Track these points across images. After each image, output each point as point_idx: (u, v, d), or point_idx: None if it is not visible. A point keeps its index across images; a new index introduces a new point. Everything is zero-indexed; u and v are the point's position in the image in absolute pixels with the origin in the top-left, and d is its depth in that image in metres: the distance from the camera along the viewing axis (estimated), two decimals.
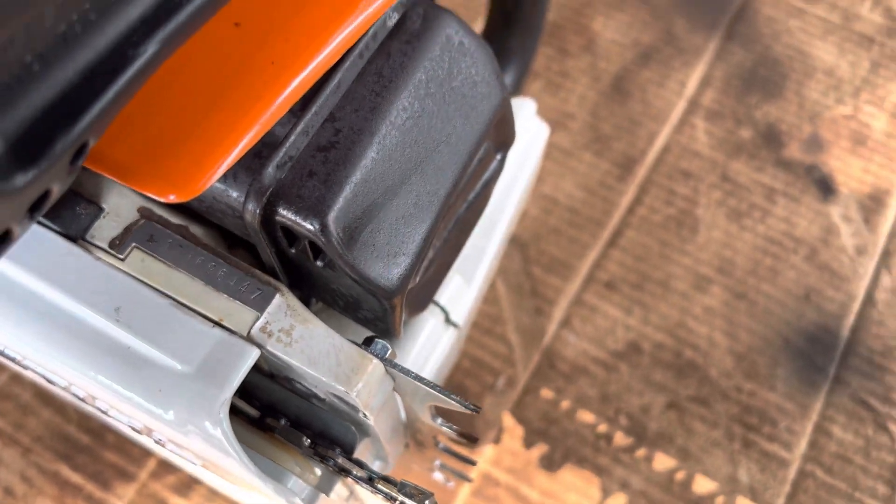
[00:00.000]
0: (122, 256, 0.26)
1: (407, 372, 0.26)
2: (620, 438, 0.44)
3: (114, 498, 0.43)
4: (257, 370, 0.29)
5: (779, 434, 0.45)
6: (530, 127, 0.38)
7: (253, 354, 0.25)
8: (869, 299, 0.49)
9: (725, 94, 0.56)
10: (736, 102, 0.55)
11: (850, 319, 0.48)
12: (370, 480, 0.28)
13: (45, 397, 0.45)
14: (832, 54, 0.58)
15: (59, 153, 0.16)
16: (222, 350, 0.25)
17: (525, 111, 0.38)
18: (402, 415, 0.32)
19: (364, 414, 0.27)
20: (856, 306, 0.49)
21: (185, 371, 0.25)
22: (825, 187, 0.52)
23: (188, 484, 0.43)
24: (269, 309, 0.26)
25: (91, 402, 0.30)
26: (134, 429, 0.30)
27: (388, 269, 0.26)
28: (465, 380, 0.46)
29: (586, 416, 0.45)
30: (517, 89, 0.47)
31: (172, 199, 0.22)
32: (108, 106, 0.17)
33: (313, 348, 0.26)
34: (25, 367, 0.30)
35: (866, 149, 0.54)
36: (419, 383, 0.26)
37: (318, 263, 0.26)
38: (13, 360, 0.30)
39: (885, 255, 0.50)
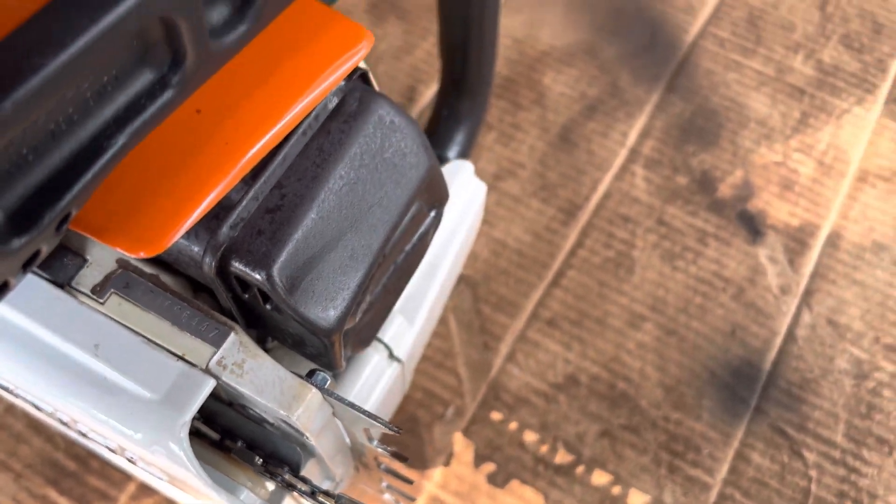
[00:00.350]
0: (101, 301, 0.30)
1: (341, 399, 0.31)
2: (558, 463, 0.49)
3: None
4: (216, 398, 0.34)
5: (702, 460, 0.49)
6: (469, 186, 0.43)
7: (210, 384, 0.30)
8: (790, 335, 0.53)
9: (664, 143, 0.61)
10: (674, 151, 0.60)
11: (772, 354, 0.53)
12: (312, 494, 0.32)
13: (36, 427, 0.48)
14: (766, 105, 0.63)
15: (47, 222, 0.20)
16: (184, 380, 0.30)
17: (465, 172, 0.43)
18: (346, 439, 0.36)
19: (306, 436, 0.31)
20: (778, 342, 0.53)
21: (153, 398, 0.29)
22: (754, 230, 0.57)
23: None
24: (225, 345, 0.30)
25: (73, 426, 0.34)
26: (110, 449, 0.34)
27: (325, 311, 0.31)
28: (416, 410, 0.50)
29: (527, 443, 0.49)
30: (469, 146, 0.52)
31: (142, 255, 0.26)
32: (86, 185, 0.21)
33: (261, 379, 0.30)
34: (17, 396, 0.35)
35: (793, 193, 0.59)
36: (351, 409, 0.31)
37: (267, 307, 0.31)
38: (6, 388, 0.34)
39: (807, 293, 0.55)
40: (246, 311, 0.32)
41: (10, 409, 0.49)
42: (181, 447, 0.29)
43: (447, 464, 0.48)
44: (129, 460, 0.34)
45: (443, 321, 0.52)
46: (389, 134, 0.32)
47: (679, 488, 0.48)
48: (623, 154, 0.60)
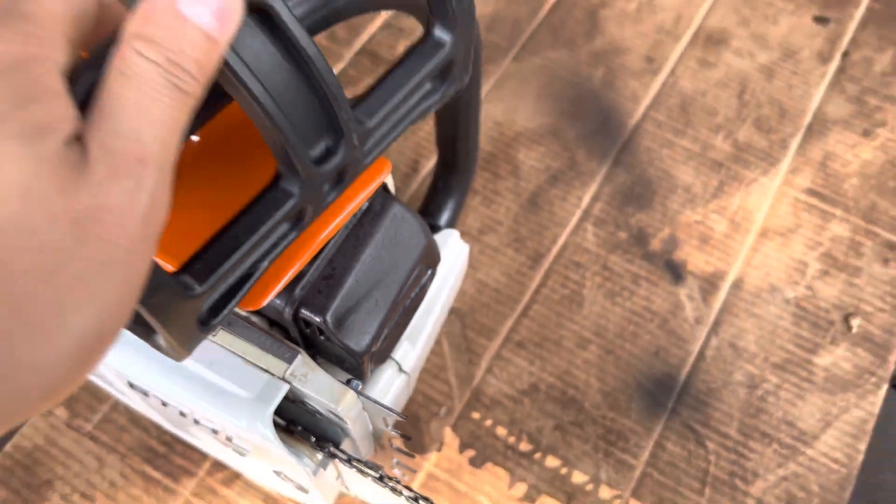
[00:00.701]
0: (214, 334, 0.48)
1: (369, 398, 0.48)
2: (522, 449, 0.66)
3: (181, 488, 0.64)
4: (286, 398, 0.51)
5: (629, 448, 0.66)
6: (455, 249, 0.60)
7: (285, 388, 0.47)
8: (701, 355, 0.71)
9: (610, 205, 0.78)
10: (617, 212, 0.78)
11: (686, 369, 0.70)
12: (349, 461, 0.50)
13: (135, 419, 0.66)
14: (690, 175, 0.80)
15: (222, 315, 0.37)
16: (268, 386, 0.47)
17: (453, 238, 0.60)
18: (370, 426, 0.53)
19: (345, 423, 0.49)
20: (691, 360, 0.70)
21: (249, 397, 0.47)
22: (676, 275, 0.75)
23: (232, 478, 0.64)
24: (294, 363, 0.47)
25: (188, 416, 0.51)
26: (215, 431, 0.51)
27: (359, 341, 0.48)
28: (417, 409, 0.67)
29: (499, 435, 0.66)
30: (457, 214, 0.69)
31: (248, 311, 0.44)
32: (244, 294, 0.38)
33: (317, 384, 0.47)
34: (147, 395, 0.52)
35: (709, 246, 0.76)
36: (375, 404, 0.48)
37: (322, 338, 0.48)
38: (143, 391, 0.51)
39: (715, 324, 0.72)
40: (307, 340, 0.50)
41: (115, 405, 0.67)
42: (268, 429, 0.47)
43: (439, 450, 0.66)
44: (228, 439, 0.51)
45: (438, 343, 0.70)
46: (401, 225, 0.49)
47: (612, 468, 0.65)
48: (578, 214, 0.77)
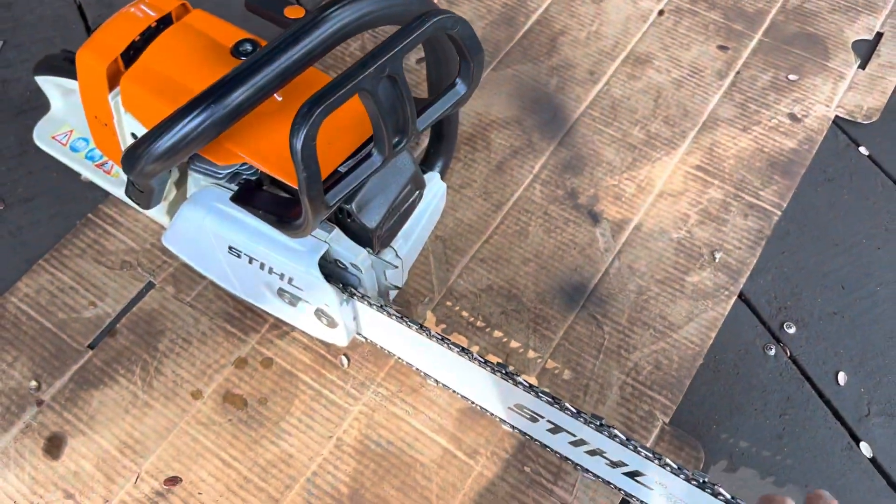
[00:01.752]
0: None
1: (373, 254, 0.80)
2: (478, 325, 0.97)
3: (249, 339, 0.96)
4: (325, 258, 0.83)
5: (551, 327, 0.97)
6: (435, 184, 0.91)
7: (325, 246, 0.79)
8: (606, 272, 1.02)
9: (553, 172, 1.10)
10: (558, 177, 1.10)
11: (595, 281, 1.01)
12: (363, 297, 0.81)
13: (219, 295, 0.98)
14: (612, 154, 1.12)
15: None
16: (315, 244, 0.79)
17: (435, 178, 0.92)
18: (376, 282, 0.85)
19: (362, 272, 0.80)
20: (599, 275, 1.02)
21: (303, 250, 0.79)
22: (595, 219, 1.06)
23: (283, 334, 0.96)
24: (332, 233, 0.80)
25: (269, 271, 0.84)
26: (281, 292, 0.83)
27: (370, 221, 0.80)
28: (410, 298, 0.99)
29: (464, 315, 0.98)
30: (444, 167, 1.01)
31: None
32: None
33: (345, 247, 0.79)
34: (239, 257, 0.84)
35: (620, 202, 1.08)
36: (378, 259, 0.80)
37: (349, 220, 0.80)
38: (237, 253, 0.84)
39: (619, 252, 1.03)
40: (339, 222, 0.82)
41: (206, 286, 0.99)
42: (314, 268, 0.79)
43: (422, 324, 0.97)
44: (287, 292, 0.83)
45: (425, 257, 1.02)
46: (400, 157, 0.81)
47: (537, 339, 0.96)
48: (529, 177, 1.09)
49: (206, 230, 0.82)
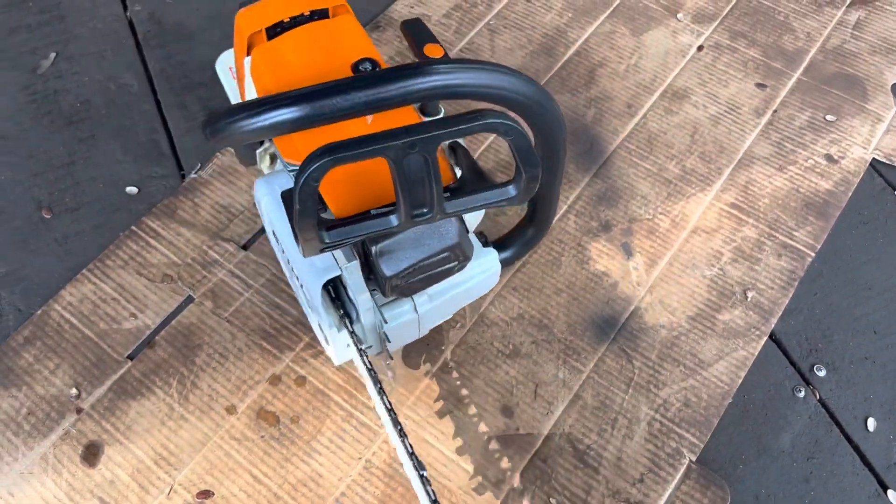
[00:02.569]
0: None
1: (375, 302, 0.81)
2: (507, 353, 0.98)
3: (284, 357, 0.97)
4: (338, 281, 0.84)
5: (581, 359, 0.98)
6: (486, 261, 0.90)
7: (337, 271, 0.81)
8: (638, 307, 1.03)
9: (588, 203, 1.11)
10: (592, 208, 1.11)
11: (626, 315, 1.02)
12: (351, 333, 0.83)
13: (256, 313, 1.00)
14: (647, 188, 1.13)
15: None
16: (331, 265, 0.81)
17: (491, 255, 0.90)
18: (376, 327, 0.86)
19: (358, 307, 0.82)
20: (630, 309, 1.02)
21: (320, 267, 0.80)
22: (629, 252, 1.07)
23: (317, 354, 0.98)
24: (350, 264, 0.81)
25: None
26: (298, 279, 0.85)
27: (387, 269, 0.80)
28: (444, 324, 1.00)
29: (495, 344, 0.99)
30: (515, 258, 0.98)
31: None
32: None
33: (353, 278, 0.81)
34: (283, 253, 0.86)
35: (654, 236, 1.09)
36: (376, 308, 0.81)
37: (371, 258, 0.81)
38: (280, 249, 0.86)
39: (651, 287, 1.04)
40: (363, 258, 0.83)
41: (244, 302, 1.01)
42: (318, 287, 0.80)
43: (454, 349, 0.99)
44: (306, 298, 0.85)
45: None
46: (445, 223, 0.82)
47: (567, 371, 0.97)
48: (564, 208, 1.11)
49: (261, 208, 0.87)
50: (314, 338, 0.99)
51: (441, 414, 0.94)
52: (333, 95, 0.69)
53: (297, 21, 0.85)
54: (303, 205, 0.66)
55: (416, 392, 0.95)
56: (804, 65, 1.27)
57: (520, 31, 1.30)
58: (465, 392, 0.95)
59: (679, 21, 1.32)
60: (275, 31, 0.85)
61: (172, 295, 1.02)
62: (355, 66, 0.81)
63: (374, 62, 0.80)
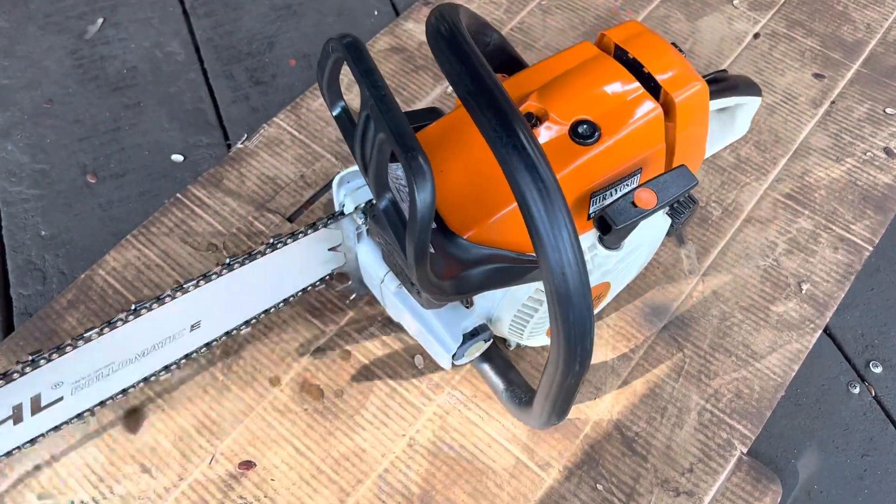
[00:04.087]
0: None
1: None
2: None
3: (328, 330, 0.96)
4: None
5: (631, 346, 0.96)
6: None
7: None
8: (689, 295, 1.00)
9: None
10: None
11: (678, 302, 1.00)
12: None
13: None
14: (700, 175, 1.10)
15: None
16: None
17: None
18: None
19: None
20: (682, 297, 1.00)
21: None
22: (681, 240, 1.05)
23: (360, 329, 0.96)
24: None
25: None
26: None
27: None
28: None
29: None
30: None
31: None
32: None
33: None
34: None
35: (707, 224, 1.06)
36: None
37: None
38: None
39: (703, 276, 1.02)
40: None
41: None
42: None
43: None
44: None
45: None
46: None
47: (617, 358, 0.95)
48: None
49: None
50: (360, 311, 0.97)
51: (487, 395, 0.92)
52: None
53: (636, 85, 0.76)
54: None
55: (462, 371, 0.93)
56: (864, 56, 1.24)
57: (572, 13, 1.27)
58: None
59: (735, 7, 1.29)
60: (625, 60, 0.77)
61: (217, 264, 1.01)
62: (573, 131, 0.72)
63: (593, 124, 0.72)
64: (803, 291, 1.01)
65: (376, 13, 1.29)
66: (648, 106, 0.73)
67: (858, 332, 1.00)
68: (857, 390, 0.95)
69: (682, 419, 0.91)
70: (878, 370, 0.97)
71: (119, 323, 0.75)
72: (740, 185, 1.10)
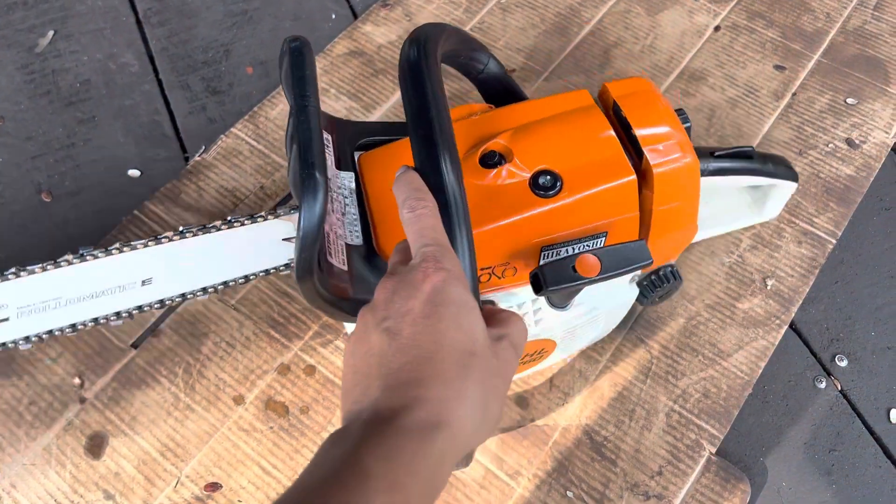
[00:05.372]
0: None
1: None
2: None
3: (292, 346, 0.95)
4: None
5: (597, 349, 0.96)
6: None
7: None
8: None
9: None
10: None
11: None
12: None
13: (263, 300, 0.97)
14: None
15: None
16: None
17: None
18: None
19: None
20: None
21: None
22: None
23: (326, 343, 0.95)
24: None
25: None
26: None
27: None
28: None
29: None
30: None
31: None
32: None
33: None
34: None
35: None
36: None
37: None
38: None
39: None
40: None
41: (251, 289, 0.98)
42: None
43: None
44: None
45: None
46: None
47: (584, 360, 0.95)
48: None
49: None
50: (323, 325, 0.96)
51: None
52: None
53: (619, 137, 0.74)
54: None
55: None
56: (824, 46, 1.24)
57: (532, 10, 1.26)
58: None
59: (695, 1, 1.28)
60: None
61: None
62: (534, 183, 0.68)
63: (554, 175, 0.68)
64: (769, 287, 1.01)
65: (334, 17, 1.27)
66: (622, 170, 0.68)
67: (824, 327, 1.00)
68: (823, 385, 0.96)
69: (651, 421, 0.91)
70: (844, 363, 0.97)
71: (64, 264, 0.73)
72: None
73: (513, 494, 0.86)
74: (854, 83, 1.20)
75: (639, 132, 0.70)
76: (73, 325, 0.79)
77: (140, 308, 0.82)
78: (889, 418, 0.94)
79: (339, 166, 0.72)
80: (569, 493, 0.87)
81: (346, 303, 0.64)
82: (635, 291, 0.81)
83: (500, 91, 0.81)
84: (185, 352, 0.94)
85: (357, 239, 0.67)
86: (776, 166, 0.89)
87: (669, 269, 0.77)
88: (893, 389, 0.95)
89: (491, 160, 0.68)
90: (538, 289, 0.65)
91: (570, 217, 0.68)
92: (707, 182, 0.78)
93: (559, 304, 0.73)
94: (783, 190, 0.93)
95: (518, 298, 0.73)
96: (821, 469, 0.90)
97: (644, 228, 0.73)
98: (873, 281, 1.03)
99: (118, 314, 0.81)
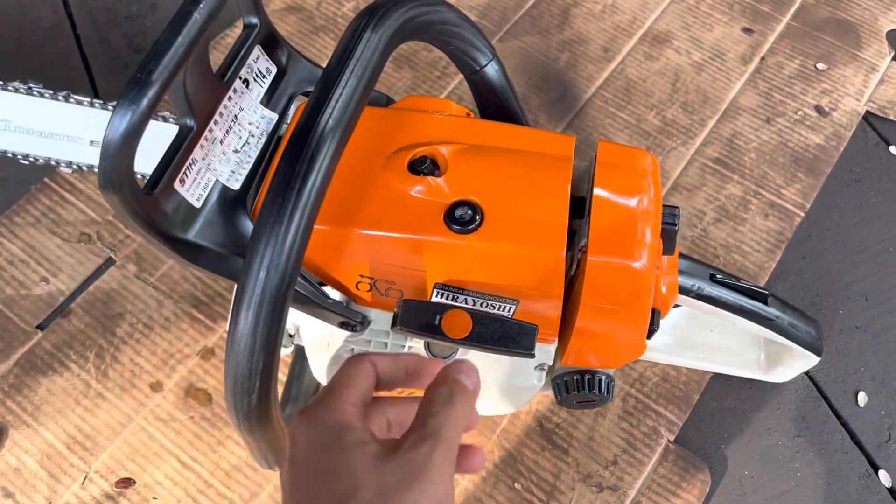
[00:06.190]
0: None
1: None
2: None
3: (217, 327, 0.86)
4: None
5: None
6: None
7: None
8: None
9: None
10: None
11: None
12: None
13: (185, 276, 0.89)
14: (624, 140, 1.03)
15: None
16: None
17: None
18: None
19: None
20: None
21: None
22: None
23: None
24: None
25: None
26: None
27: None
28: None
29: None
30: None
31: None
32: None
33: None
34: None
35: None
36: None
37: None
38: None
39: None
40: None
41: (173, 266, 0.90)
42: None
43: None
44: None
45: None
46: None
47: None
48: None
49: None
50: None
51: None
52: None
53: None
54: None
55: None
56: (794, 8, 1.17)
57: None
58: None
59: None
60: None
61: (90, 257, 0.90)
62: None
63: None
64: (733, 263, 0.95)
65: None
66: (554, 241, 0.56)
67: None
68: None
69: (606, 406, 0.85)
70: None
71: None
72: (666, 151, 1.03)
73: (457, 487, 0.79)
74: (825, 47, 1.13)
75: (595, 212, 0.57)
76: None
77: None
78: (857, 401, 0.88)
79: (268, 104, 0.63)
80: (517, 486, 0.80)
81: (179, 242, 0.53)
82: (541, 382, 0.67)
83: (491, 103, 0.71)
84: (97, 334, 0.85)
85: (236, 183, 0.58)
86: (795, 327, 0.75)
87: (601, 377, 0.64)
88: (861, 371, 0.90)
89: (420, 166, 0.57)
90: (392, 323, 0.56)
91: (475, 264, 0.57)
92: (711, 309, 0.71)
93: (436, 352, 0.62)
94: (798, 359, 0.80)
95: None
96: (785, 456, 0.85)
97: (567, 322, 0.61)
98: (842, 257, 0.98)
99: None
